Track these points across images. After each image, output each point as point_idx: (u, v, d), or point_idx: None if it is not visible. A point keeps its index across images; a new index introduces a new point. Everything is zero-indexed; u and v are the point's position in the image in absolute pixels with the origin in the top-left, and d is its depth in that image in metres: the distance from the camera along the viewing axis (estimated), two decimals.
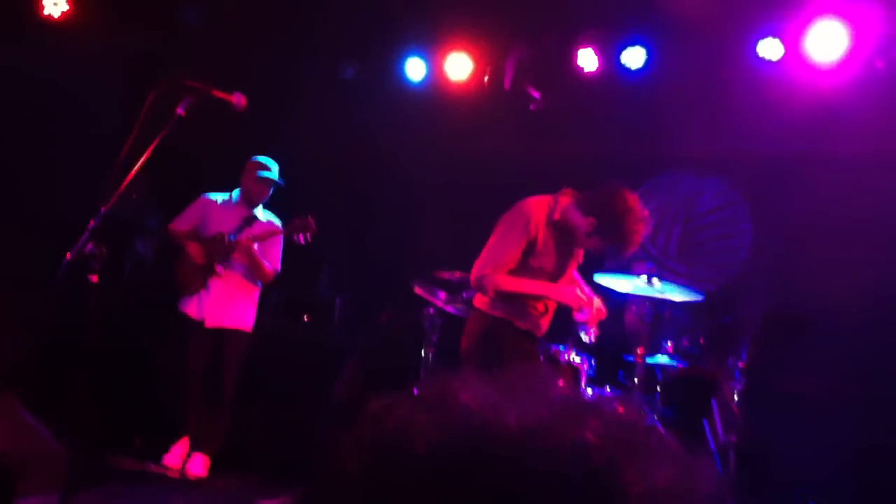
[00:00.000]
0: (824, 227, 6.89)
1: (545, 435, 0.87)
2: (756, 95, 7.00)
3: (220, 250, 6.53)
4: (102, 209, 4.21)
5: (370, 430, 0.92)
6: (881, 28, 6.49)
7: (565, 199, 4.99)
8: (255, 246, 6.50)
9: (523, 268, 4.90)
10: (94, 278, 4.22)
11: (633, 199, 4.87)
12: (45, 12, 7.53)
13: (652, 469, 0.89)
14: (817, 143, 7.09)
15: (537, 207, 4.93)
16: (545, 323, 5.12)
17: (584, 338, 5.01)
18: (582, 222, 4.90)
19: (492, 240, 4.93)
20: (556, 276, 5.04)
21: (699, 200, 7.73)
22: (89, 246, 4.16)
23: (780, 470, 6.32)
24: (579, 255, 5.24)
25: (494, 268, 4.82)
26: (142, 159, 4.38)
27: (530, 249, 4.88)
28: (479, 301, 5.02)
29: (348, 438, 0.93)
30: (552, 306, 5.10)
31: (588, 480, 0.86)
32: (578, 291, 4.89)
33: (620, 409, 0.96)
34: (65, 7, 7.55)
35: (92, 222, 4.19)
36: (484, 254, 4.91)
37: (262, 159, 6.74)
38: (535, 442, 0.87)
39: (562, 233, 4.96)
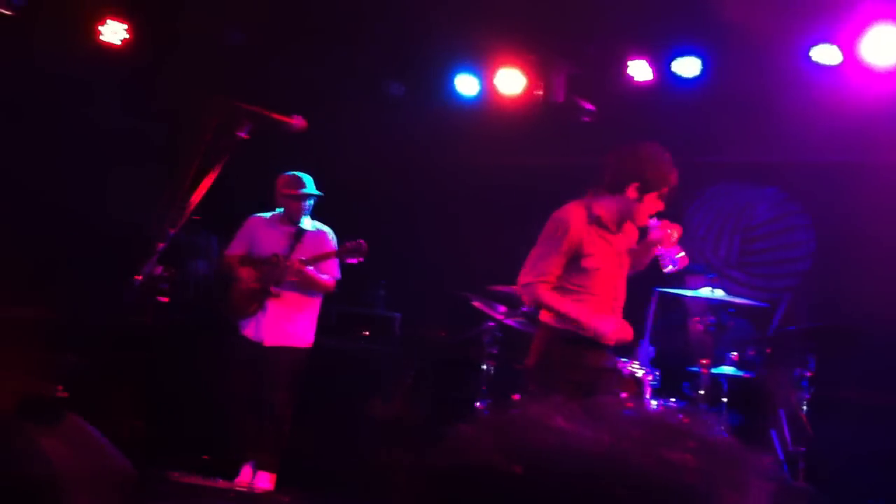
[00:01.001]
0: (885, 237, 6.78)
1: (641, 456, 0.88)
2: (812, 103, 6.92)
3: (274, 273, 6.58)
4: (171, 232, 4.28)
5: (455, 459, 0.92)
6: None
7: (595, 197, 4.97)
8: (309, 268, 6.52)
9: (578, 271, 4.85)
10: (164, 300, 4.31)
11: (638, 143, 4.93)
12: (103, 38, 7.68)
13: (746, 490, 0.89)
14: (876, 150, 6.99)
15: (574, 211, 4.90)
16: None
17: (669, 267, 4.88)
18: (627, 198, 4.87)
19: (533, 251, 4.91)
20: (613, 274, 4.98)
21: (757, 211, 7.66)
22: (159, 269, 4.24)
23: (850, 481, 6.23)
24: (629, 246, 5.15)
25: (536, 276, 4.80)
26: (206, 181, 4.45)
27: (578, 253, 4.84)
28: (545, 315, 4.97)
29: (424, 468, 0.93)
30: (619, 310, 5.02)
31: (685, 501, 0.86)
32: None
33: (710, 430, 0.96)
34: (124, 35, 7.68)
35: (161, 245, 4.26)
36: (526, 264, 4.89)
37: (293, 173, 6.74)
38: (632, 463, 0.87)
39: (609, 227, 4.94)
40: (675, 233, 4.92)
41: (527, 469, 0.88)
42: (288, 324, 6.63)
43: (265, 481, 6.50)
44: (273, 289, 6.57)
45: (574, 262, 4.85)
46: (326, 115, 7.56)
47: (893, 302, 6.46)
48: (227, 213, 7.24)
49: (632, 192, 4.86)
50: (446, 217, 8.22)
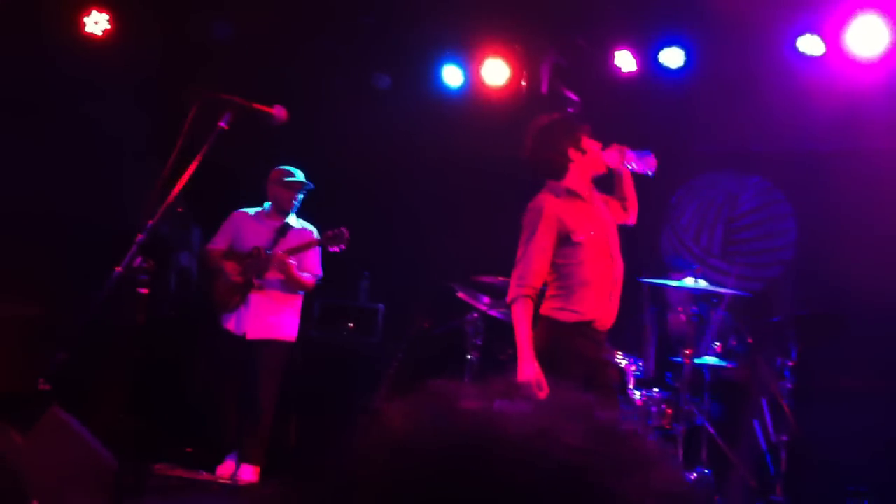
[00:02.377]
0: (868, 225, 6.82)
1: (530, 439, 0.89)
2: (797, 92, 6.94)
3: (257, 265, 6.58)
4: (149, 223, 4.25)
5: (378, 431, 0.95)
6: None
7: (556, 183, 5.00)
8: (292, 260, 6.52)
9: (571, 247, 4.82)
10: (144, 291, 4.28)
11: (529, 126, 5.04)
12: (87, 30, 7.66)
13: (630, 474, 0.90)
14: (859, 139, 7.01)
15: (543, 198, 4.91)
16: (614, 310, 5.01)
17: (647, 171, 5.03)
18: (577, 164, 4.93)
19: (519, 251, 4.88)
20: (606, 243, 4.96)
21: (741, 199, 7.68)
22: (138, 260, 4.21)
23: (832, 468, 6.25)
24: (606, 208, 5.16)
25: (519, 287, 4.76)
26: (186, 173, 4.42)
27: (563, 231, 4.82)
28: (545, 308, 4.92)
29: (361, 439, 0.96)
30: (616, 294, 5.01)
31: (568, 482, 0.87)
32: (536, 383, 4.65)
33: (604, 415, 0.97)
34: (106, 25, 7.67)
35: (140, 236, 4.24)
36: (516, 267, 4.87)
37: (286, 167, 6.79)
38: (521, 445, 0.88)
39: (582, 195, 4.95)
40: (622, 148, 5.04)
41: (437, 451, 0.89)
42: (271, 317, 6.63)
43: (249, 473, 6.50)
44: (256, 281, 6.57)
45: (565, 242, 4.83)
46: (312, 107, 7.55)
47: (878, 289, 6.48)
48: (211, 206, 7.24)
49: (574, 155, 4.92)
50: (431, 207, 8.21)
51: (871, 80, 6.67)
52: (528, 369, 4.65)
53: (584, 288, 4.84)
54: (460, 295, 6.51)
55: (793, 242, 7.44)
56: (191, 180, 4.42)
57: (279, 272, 6.56)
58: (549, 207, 4.83)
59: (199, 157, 4.43)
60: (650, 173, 5.07)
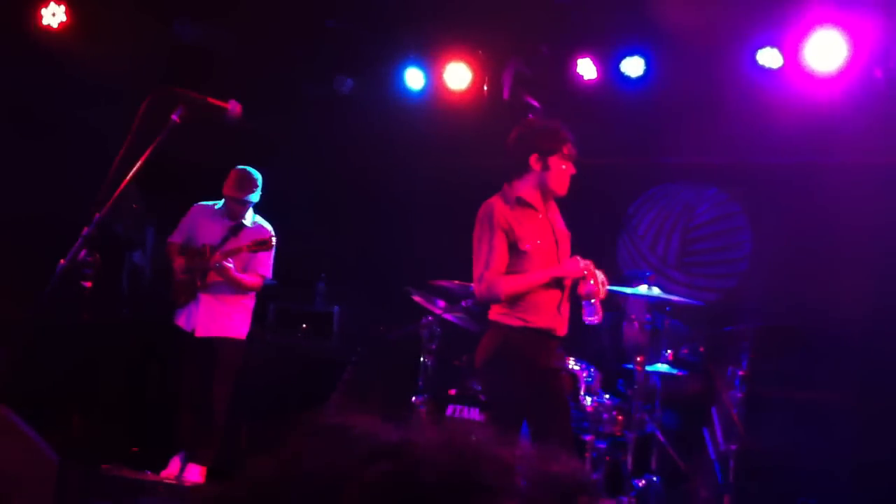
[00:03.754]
0: (823, 238, 6.89)
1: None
2: (755, 105, 6.99)
3: (201, 264, 6.48)
4: (96, 216, 4.19)
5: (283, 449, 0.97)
6: (880, 37, 6.48)
7: (510, 185, 4.97)
8: (231, 262, 6.40)
9: (518, 256, 4.80)
10: (88, 285, 4.21)
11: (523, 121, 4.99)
12: (44, 22, 7.55)
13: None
14: (816, 153, 7.09)
15: (492, 201, 4.89)
16: (564, 321, 4.99)
17: (590, 318, 4.89)
18: (535, 171, 4.89)
19: (475, 253, 4.87)
20: (552, 252, 4.94)
21: (698, 211, 7.72)
22: (83, 253, 4.14)
23: (781, 478, 6.29)
24: (560, 222, 5.14)
25: (492, 273, 4.76)
26: (135, 167, 4.36)
27: (512, 239, 4.81)
28: (494, 313, 4.90)
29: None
30: (566, 304, 4.98)
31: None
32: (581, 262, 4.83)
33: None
34: (63, 18, 7.56)
35: (86, 229, 4.17)
36: (475, 268, 4.86)
37: (241, 169, 6.64)
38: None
39: (533, 205, 4.92)
40: (604, 286, 4.89)
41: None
42: (220, 315, 6.55)
43: (195, 474, 6.42)
44: (199, 282, 6.48)
45: (513, 250, 4.82)
46: (272, 108, 7.50)
47: (832, 302, 6.55)
48: (173, 202, 7.15)
49: (534, 163, 4.87)
50: (388, 210, 8.19)
51: (828, 94, 6.73)
52: (563, 267, 4.86)
53: (530, 297, 4.82)
54: (416, 298, 6.48)
55: (748, 254, 7.49)
56: (145, 178, 4.36)
57: (218, 275, 6.46)
58: (498, 212, 4.82)
59: (148, 151, 4.37)
60: (592, 319, 4.94)
